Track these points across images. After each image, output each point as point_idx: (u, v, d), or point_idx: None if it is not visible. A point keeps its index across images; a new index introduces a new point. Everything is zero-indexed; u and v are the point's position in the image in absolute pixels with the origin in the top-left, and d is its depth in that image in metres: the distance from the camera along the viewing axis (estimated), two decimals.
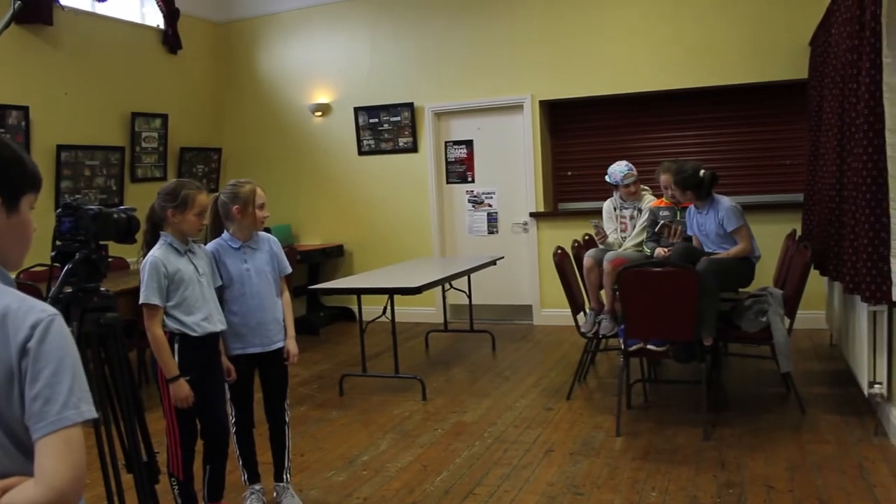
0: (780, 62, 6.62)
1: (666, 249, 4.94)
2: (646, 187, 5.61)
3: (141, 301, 3.07)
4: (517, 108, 7.64)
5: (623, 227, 5.52)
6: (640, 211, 5.45)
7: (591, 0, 7.22)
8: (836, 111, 4.44)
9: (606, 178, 5.55)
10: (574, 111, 7.69)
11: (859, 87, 3.79)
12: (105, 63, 7.26)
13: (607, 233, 5.52)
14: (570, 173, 7.82)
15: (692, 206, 4.91)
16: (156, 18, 7.93)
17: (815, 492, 3.47)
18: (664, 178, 5.12)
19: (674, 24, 6.98)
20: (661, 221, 5.06)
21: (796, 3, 6.52)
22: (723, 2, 6.81)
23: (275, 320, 3.49)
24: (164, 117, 7.81)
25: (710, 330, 4.37)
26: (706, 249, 4.85)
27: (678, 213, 5.13)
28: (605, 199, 5.69)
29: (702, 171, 4.69)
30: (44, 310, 1.27)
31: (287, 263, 3.58)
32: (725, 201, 4.76)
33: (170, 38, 7.94)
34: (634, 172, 5.47)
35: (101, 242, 2.16)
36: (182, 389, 3.11)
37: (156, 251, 3.11)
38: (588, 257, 5.34)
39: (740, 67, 6.78)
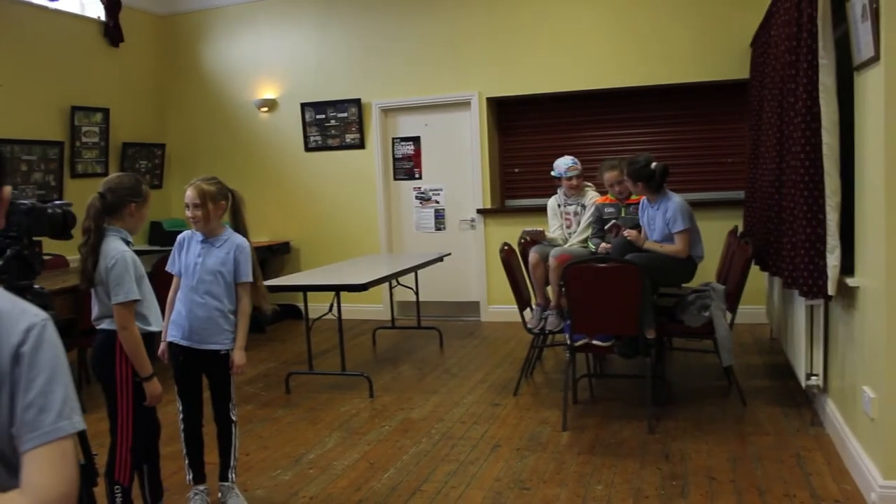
0: (723, 62, 6.75)
1: (611, 245, 5.00)
2: (589, 184, 5.65)
3: (123, 299, 2.97)
4: (464, 104, 7.65)
5: (567, 223, 5.55)
6: (583, 207, 5.48)
7: None
8: (776, 110, 4.54)
9: (552, 172, 5.59)
10: (521, 108, 7.73)
11: (797, 87, 3.87)
12: (43, 55, 7.06)
13: (552, 230, 5.56)
14: (517, 170, 7.86)
15: (644, 199, 4.95)
16: (96, 10, 7.74)
17: (755, 482, 3.55)
18: (608, 176, 5.18)
19: (620, 23, 7.07)
20: (612, 220, 5.11)
21: (739, 4, 6.65)
22: (668, 3, 6.91)
23: (213, 322, 3.41)
24: (106, 111, 7.63)
25: (648, 322, 4.43)
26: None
27: (622, 209, 5.20)
28: (551, 195, 5.72)
29: (653, 164, 4.73)
30: (37, 314, 1.20)
31: (245, 272, 3.47)
32: (675, 200, 4.74)
33: (111, 31, 7.77)
34: (578, 167, 5.49)
35: (35, 238, 2.09)
36: (157, 387, 3.11)
37: (120, 246, 3.03)
38: (533, 253, 5.37)
39: (685, 67, 6.89)
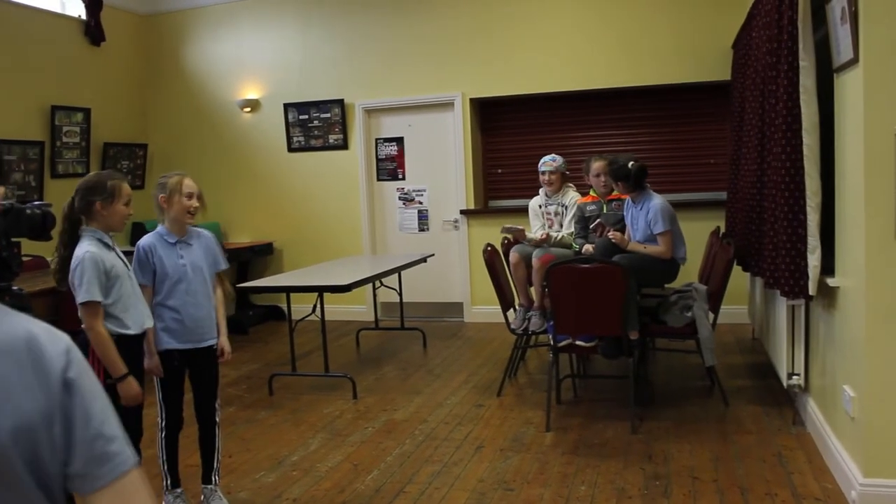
0: (705, 64, 6.79)
1: (594, 245, 5.02)
2: (570, 184, 5.65)
3: (82, 299, 2.92)
4: (448, 105, 7.65)
5: (549, 223, 5.54)
6: (564, 207, 5.48)
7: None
8: (757, 112, 4.56)
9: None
10: (504, 109, 7.74)
11: (778, 88, 3.90)
12: (23, 54, 7.00)
13: (533, 230, 5.55)
14: (500, 171, 7.87)
15: (629, 199, 4.97)
16: (77, 9, 7.68)
17: (737, 481, 3.57)
18: (596, 165, 5.21)
19: (604, 25, 7.09)
20: (597, 220, 5.11)
21: (720, 7, 6.69)
22: (652, 5, 6.94)
23: (209, 317, 3.44)
24: (87, 111, 7.57)
25: (632, 324, 4.45)
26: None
27: (604, 206, 5.21)
28: (534, 196, 5.72)
29: (631, 163, 4.76)
30: (60, 332, 1.05)
31: (222, 259, 3.55)
32: (657, 201, 4.75)
33: (92, 30, 7.71)
34: (555, 163, 5.47)
35: (14, 239, 2.07)
36: (132, 387, 3.01)
37: (89, 246, 2.98)
38: (514, 253, 5.37)
39: (668, 68, 6.92)
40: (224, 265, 3.54)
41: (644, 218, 4.79)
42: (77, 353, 1.03)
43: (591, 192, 5.34)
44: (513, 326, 5.24)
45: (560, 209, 5.50)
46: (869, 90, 3.03)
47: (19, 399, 0.95)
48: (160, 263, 3.34)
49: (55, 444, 0.98)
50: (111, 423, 1.04)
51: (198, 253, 3.42)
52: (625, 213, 5.05)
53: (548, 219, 5.57)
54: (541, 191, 5.63)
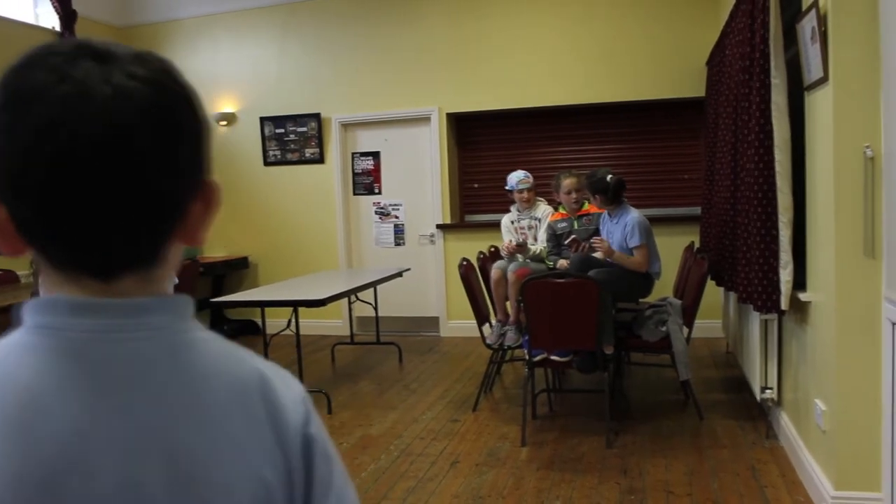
0: (680, 80, 6.87)
1: (569, 261, 5.04)
2: (540, 198, 5.68)
3: None
4: (424, 120, 7.67)
5: (523, 237, 5.55)
6: (538, 221, 5.52)
7: (498, 15, 7.32)
8: (731, 128, 4.62)
9: (506, 186, 5.62)
10: (481, 124, 7.77)
11: (750, 105, 3.95)
12: None
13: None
14: (476, 185, 7.89)
15: (606, 213, 5.00)
16: (51, 20, 7.62)
17: (712, 495, 3.58)
18: (566, 182, 5.21)
19: (579, 42, 7.15)
20: (572, 236, 5.08)
21: (694, 25, 6.78)
22: (627, 22, 7.01)
23: None
24: None
25: (608, 338, 4.47)
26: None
27: (574, 222, 5.22)
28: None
29: (609, 177, 4.79)
30: (289, 374, 0.88)
31: None
32: (634, 214, 4.78)
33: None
34: (530, 180, 5.54)
35: None
36: None
37: None
38: (496, 269, 5.36)
39: (643, 85, 6.99)
40: None
41: (621, 231, 4.82)
42: (312, 405, 0.86)
43: (561, 209, 5.35)
44: (489, 341, 5.23)
45: (533, 222, 5.54)
46: (838, 108, 3.08)
47: (257, 460, 0.77)
48: None
49: None
50: (350, 496, 0.86)
51: None
52: (600, 228, 5.07)
53: (521, 233, 5.58)
54: (512, 207, 5.65)
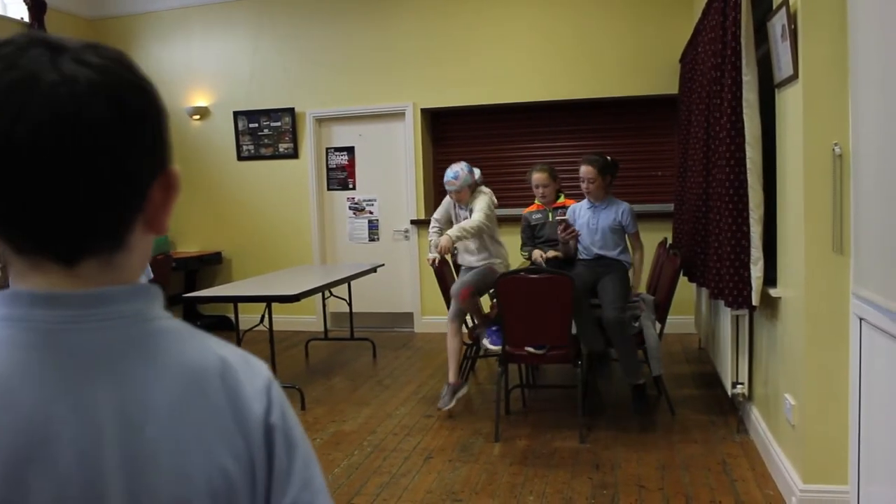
0: (653, 77, 6.90)
1: (542, 253, 5.00)
2: (486, 189, 5.21)
3: None
4: (399, 115, 7.65)
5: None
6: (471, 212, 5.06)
7: (472, 10, 7.31)
8: (703, 125, 4.64)
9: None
10: (455, 120, 7.76)
11: (722, 102, 3.97)
12: None
13: (431, 243, 5.18)
14: None
15: (579, 205, 4.98)
16: (20, 11, 7.51)
17: (683, 489, 3.61)
18: (536, 177, 5.13)
19: (554, 37, 7.16)
20: (565, 218, 4.93)
21: (668, 22, 6.81)
22: (600, 19, 7.03)
23: None
24: None
25: (596, 342, 4.53)
26: (588, 247, 4.86)
27: (549, 214, 5.21)
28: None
29: (609, 157, 4.87)
30: (258, 361, 0.88)
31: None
32: (627, 205, 4.86)
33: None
34: (458, 182, 5.04)
35: None
36: None
37: None
38: (449, 323, 5.05)
39: (616, 81, 7.02)
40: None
41: (612, 218, 4.81)
42: (278, 392, 0.85)
43: (536, 202, 5.30)
44: (439, 406, 4.94)
45: (468, 214, 5.10)
46: (808, 105, 3.11)
47: (217, 449, 0.78)
48: None
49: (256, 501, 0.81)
50: (317, 486, 0.85)
51: None
52: (573, 218, 4.96)
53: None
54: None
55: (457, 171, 5.07)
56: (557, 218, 5.09)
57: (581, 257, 4.94)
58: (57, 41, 0.73)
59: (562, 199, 5.25)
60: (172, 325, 0.82)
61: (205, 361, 0.81)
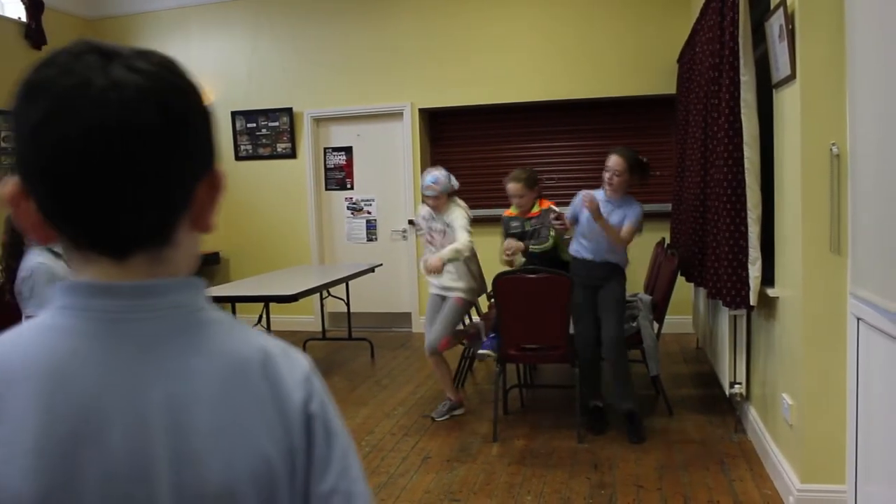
0: (651, 77, 6.90)
1: (513, 245, 4.79)
2: (461, 202, 5.01)
3: (33, 313, 2.81)
4: (397, 115, 7.65)
5: (431, 239, 5.00)
6: (448, 227, 4.87)
7: (471, 11, 7.31)
8: (701, 125, 4.65)
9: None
10: (454, 119, 7.75)
11: (720, 102, 3.98)
12: None
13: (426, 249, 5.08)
14: None
15: (600, 193, 4.59)
16: (17, 10, 7.50)
17: (682, 489, 3.61)
18: (511, 187, 4.84)
19: (552, 38, 7.16)
20: (560, 210, 4.73)
21: (666, 22, 6.81)
22: (599, 19, 7.03)
23: None
24: None
25: (590, 352, 4.52)
26: (585, 244, 4.64)
27: (525, 223, 4.88)
28: (485, 206, 5.52)
29: (644, 159, 4.68)
30: (298, 352, 0.91)
31: None
32: (639, 204, 4.60)
33: (33, 32, 7.52)
34: (437, 186, 4.82)
35: None
36: None
37: (39, 257, 2.89)
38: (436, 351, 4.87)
39: (615, 81, 7.02)
40: None
41: (620, 218, 4.54)
42: (318, 382, 0.89)
43: (512, 209, 4.99)
44: (433, 416, 4.90)
45: (445, 227, 4.91)
46: (806, 105, 3.11)
47: (258, 436, 0.80)
48: None
49: (295, 492, 0.83)
50: (356, 475, 0.87)
51: None
52: (574, 211, 4.66)
53: (431, 234, 5.01)
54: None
55: (436, 176, 4.84)
56: (553, 209, 4.85)
57: (578, 256, 4.74)
58: (110, 48, 0.76)
59: (536, 210, 4.89)
60: (217, 316, 0.86)
61: (247, 352, 0.84)
